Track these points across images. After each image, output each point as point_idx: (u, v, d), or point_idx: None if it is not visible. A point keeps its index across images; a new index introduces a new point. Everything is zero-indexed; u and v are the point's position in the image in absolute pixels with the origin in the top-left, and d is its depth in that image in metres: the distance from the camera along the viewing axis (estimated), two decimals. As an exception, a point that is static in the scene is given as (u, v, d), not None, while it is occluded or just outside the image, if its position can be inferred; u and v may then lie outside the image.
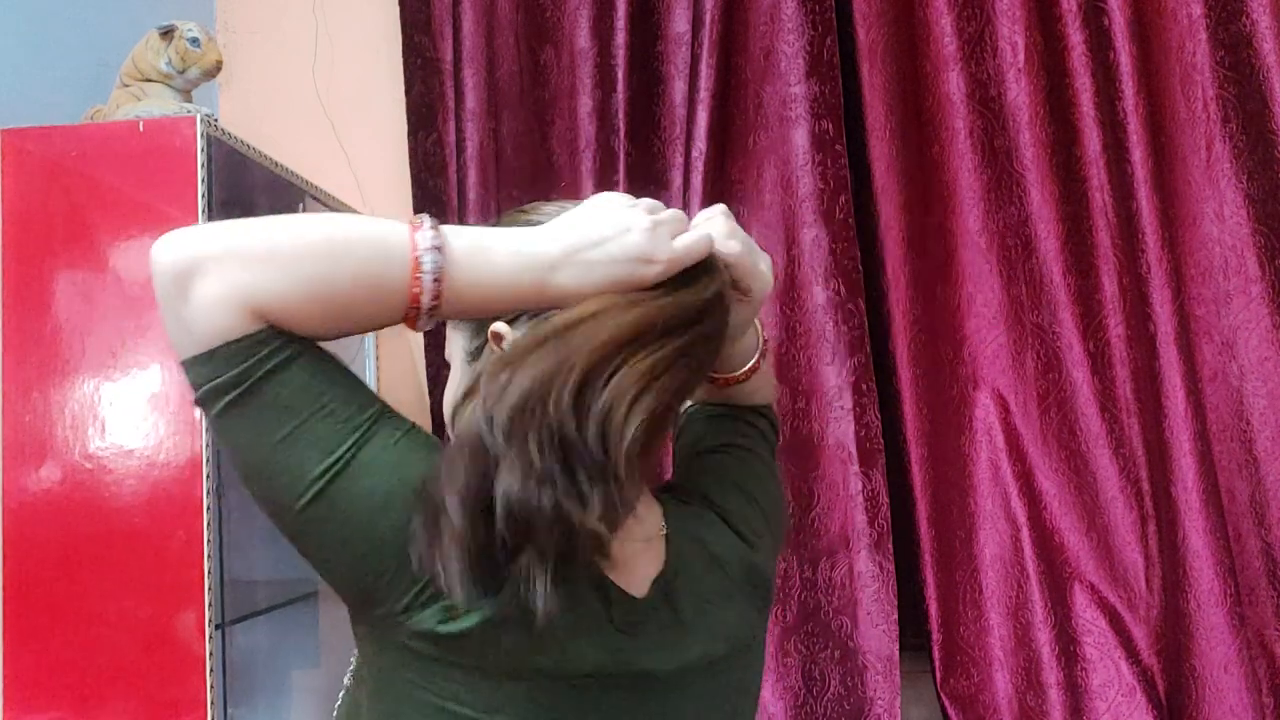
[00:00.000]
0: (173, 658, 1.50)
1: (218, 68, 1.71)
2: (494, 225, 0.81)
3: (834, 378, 1.94)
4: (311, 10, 2.29)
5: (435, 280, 0.66)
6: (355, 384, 0.68)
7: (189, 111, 1.64)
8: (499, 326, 0.78)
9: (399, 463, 0.66)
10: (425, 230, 0.67)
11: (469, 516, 0.62)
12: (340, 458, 0.65)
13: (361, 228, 0.67)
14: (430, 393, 2.13)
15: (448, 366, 0.86)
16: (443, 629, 0.67)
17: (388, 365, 2.22)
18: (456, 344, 0.83)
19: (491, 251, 0.69)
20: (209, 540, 1.51)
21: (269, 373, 0.64)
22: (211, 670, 1.50)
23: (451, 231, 0.68)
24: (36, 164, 1.59)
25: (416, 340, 2.20)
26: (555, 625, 0.67)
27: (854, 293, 1.95)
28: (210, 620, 1.50)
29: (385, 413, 0.68)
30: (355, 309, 0.67)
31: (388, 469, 0.66)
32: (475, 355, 0.81)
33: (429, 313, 0.67)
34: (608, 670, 0.72)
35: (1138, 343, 1.87)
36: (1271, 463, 1.80)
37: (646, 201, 0.74)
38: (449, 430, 0.84)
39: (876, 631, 1.88)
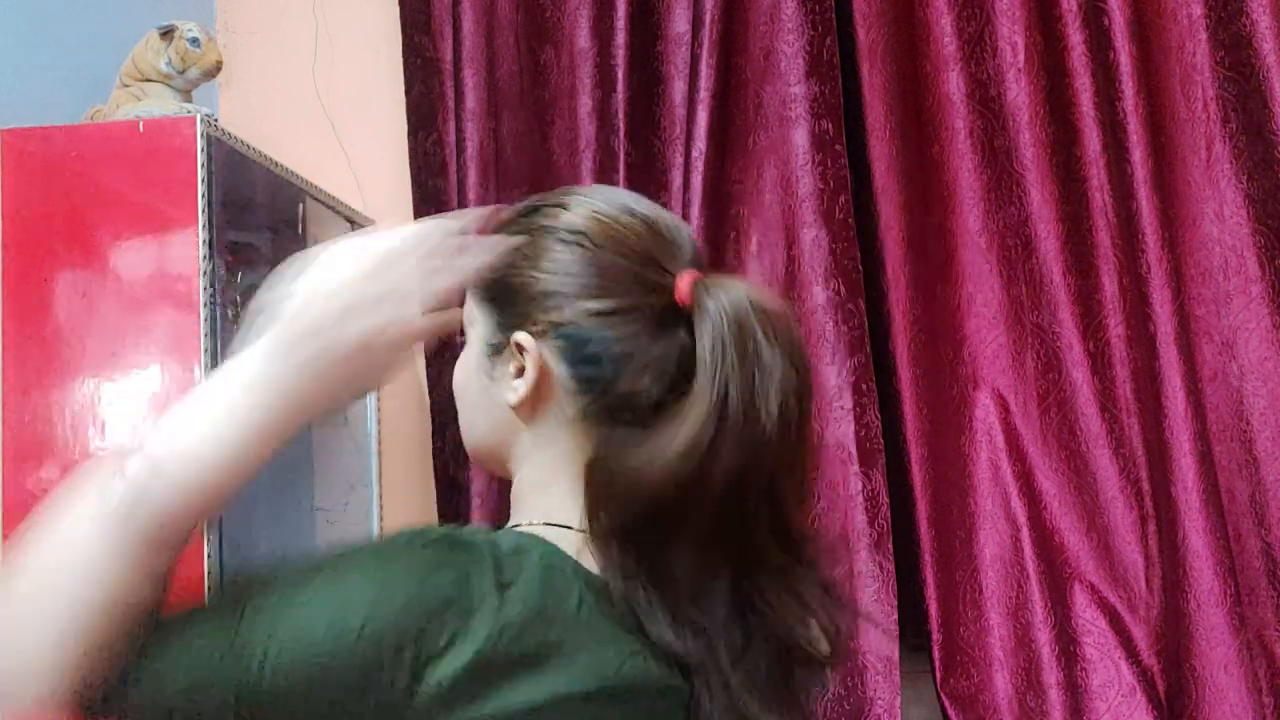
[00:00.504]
0: (173, 658, 1.50)
1: (218, 68, 1.71)
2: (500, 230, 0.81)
3: (834, 378, 1.94)
4: (311, 10, 2.29)
5: (158, 512, 0.64)
6: (211, 614, 0.66)
7: (189, 111, 1.64)
8: (523, 340, 0.75)
9: (308, 628, 0.64)
10: (112, 485, 0.65)
11: None
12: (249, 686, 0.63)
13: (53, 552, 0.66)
14: (430, 392, 2.13)
15: (449, 365, 0.85)
16: (446, 685, 0.65)
17: (388, 365, 2.22)
18: (477, 324, 0.81)
19: (203, 417, 0.67)
20: (209, 540, 1.51)
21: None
22: (211, 670, 1.49)
23: (150, 444, 0.66)
24: (36, 164, 1.59)
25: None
26: (559, 638, 0.67)
27: (854, 293, 1.95)
28: (210, 620, 1.50)
29: (254, 605, 0.65)
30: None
31: (307, 642, 0.63)
32: (495, 351, 0.78)
33: (183, 535, 0.66)
34: (624, 678, 0.70)
35: (1138, 343, 1.87)
36: (1271, 463, 1.80)
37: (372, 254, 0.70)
38: (457, 404, 0.83)
39: (876, 631, 1.88)
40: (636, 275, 0.76)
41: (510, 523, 0.79)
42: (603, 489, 0.72)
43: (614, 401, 0.75)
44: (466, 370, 0.81)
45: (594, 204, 0.78)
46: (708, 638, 0.71)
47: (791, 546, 0.74)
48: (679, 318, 0.75)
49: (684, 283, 0.75)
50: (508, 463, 0.80)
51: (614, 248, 0.76)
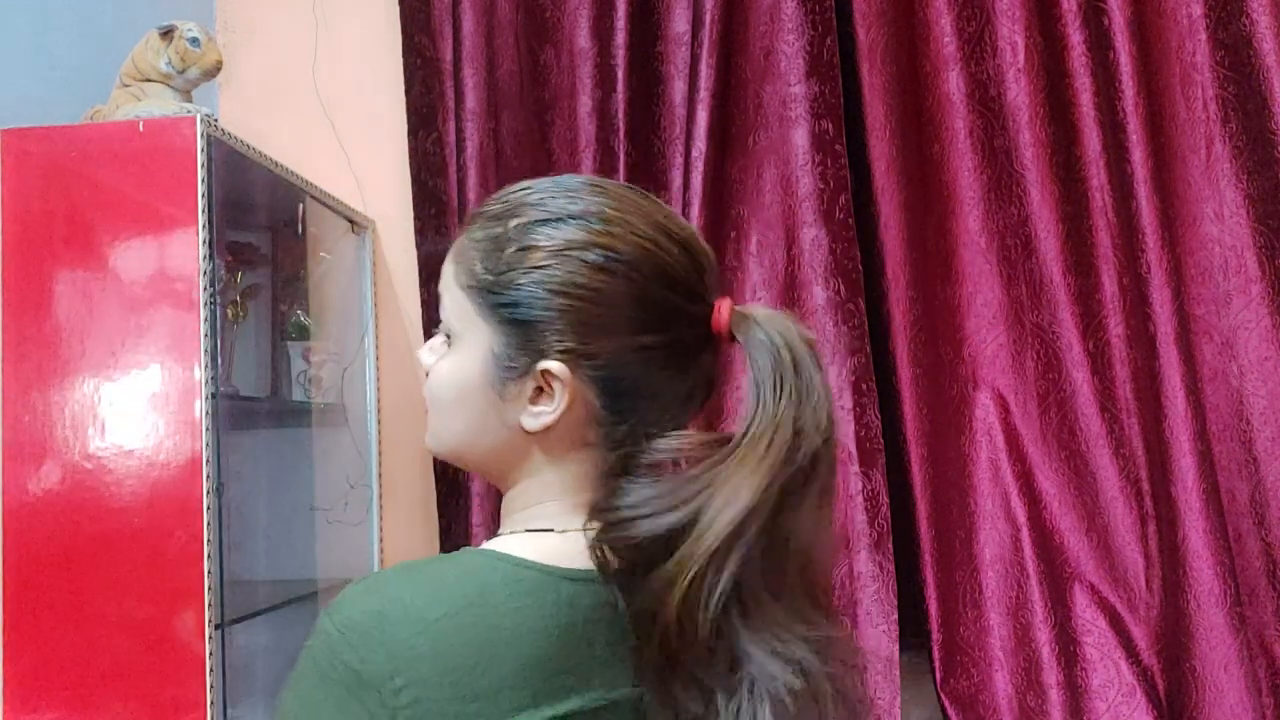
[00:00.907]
0: (173, 658, 1.50)
1: (218, 68, 1.71)
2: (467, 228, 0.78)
3: (834, 378, 1.94)
4: (311, 10, 2.29)
5: None
6: None
7: (189, 111, 1.64)
8: (556, 370, 0.72)
9: None
10: None
11: None
12: None
13: None
14: (430, 393, 2.12)
15: None
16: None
17: (388, 366, 2.22)
18: (481, 335, 0.74)
19: None
20: (209, 540, 1.51)
21: None
22: (211, 670, 1.50)
23: None
24: (36, 164, 1.59)
25: (417, 341, 2.20)
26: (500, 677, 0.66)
27: (854, 293, 1.95)
28: (210, 620, 1.50)
29: None
30: None
31: None
32: (512, 373, 0.73)
33: None
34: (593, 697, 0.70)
35: (1138, 343, 1.87)
36: (1271, 463, 1.80)
37: None
38: (441, 407, 0.77)
39: (876, 631, 1.88)
40: (681, 308, 0.74)
41: (499, 531, 0.78)
42: (627, 521, 0.69)
43: (643, 429, 0.74)
44: (466, 381, 0.75)
45: (630, 222, 0.74)
46: (710, 694, 0.70)
47: (817, 596, 0.72)
48: (708, 342, 0.76)
49: (723, 313, 0.75)
50: (505, 476, 0.78)
51: (661, 280, 0.73)
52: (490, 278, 0.73)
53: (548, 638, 0.68)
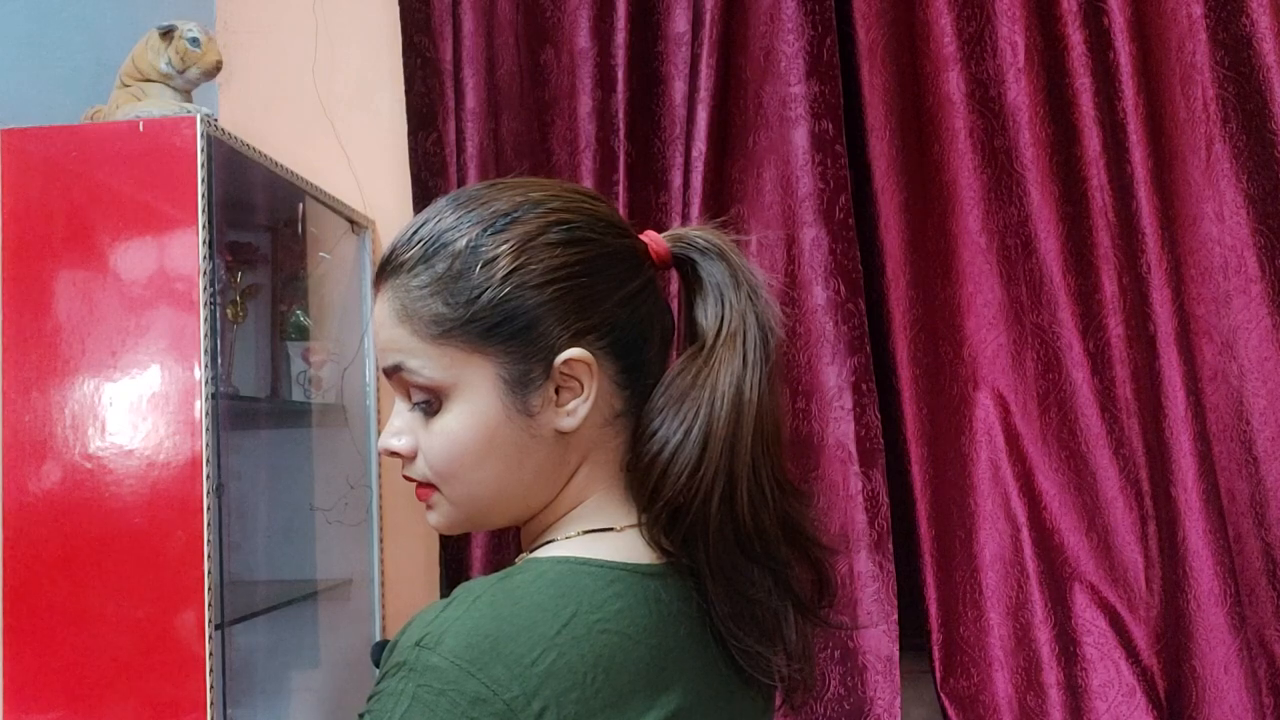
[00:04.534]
0: (173, 658, 1.50)
1: (218, 68, 1.71)
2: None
3: (834, 378, 1.94)
4: (311, 10, 2.29)
5: None
6: None
7: (189, 111, 1.64)
8: (578, 355, 0.71)
9: None
10: None
11: None
12: None
13: None
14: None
15: None
16: None
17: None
18: (478, 370, 0.71)
19: None
20: (209, 540, 1.51)
21: None
22: (211, 670, 1.50)
23: None
24: (36, 164, 1.59)
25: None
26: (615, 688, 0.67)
27: (854, 293, 1.95)
28: (210, 620, 1.50)
29: None
30: None
31: None
32: (529, 385, 0.71)
33: None
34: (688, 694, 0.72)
35: (1138, 343, 1.87)
36: (1271, 463, 1.80)
37: None
38: (470, 474, 0.73)
39: (876, 631, 1.88)
40: (635, 247, 0.76)
41: (536, 546, 0.75)
42: (661, 468, 0.71)
43: (649, 380, 0.75)
44: (486, 423, 0.71)
45: (555, 195, 0.74)
46: (775, 621, 0.74)
47: (786, 482, 0.75)
48: (654, 274, 0.78)
49: (658, 244, 0.77)
50: (546, 494, 0.75)
51: (610, 230, 0.75)
52: (466, 310, 0.70)
53: (650, 636, 0.68)
